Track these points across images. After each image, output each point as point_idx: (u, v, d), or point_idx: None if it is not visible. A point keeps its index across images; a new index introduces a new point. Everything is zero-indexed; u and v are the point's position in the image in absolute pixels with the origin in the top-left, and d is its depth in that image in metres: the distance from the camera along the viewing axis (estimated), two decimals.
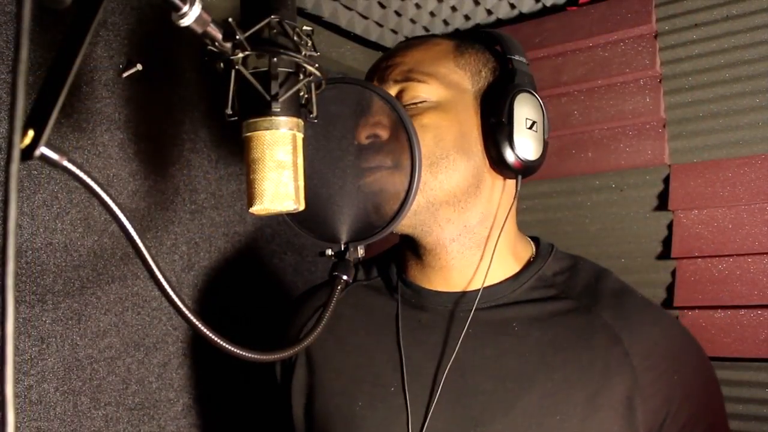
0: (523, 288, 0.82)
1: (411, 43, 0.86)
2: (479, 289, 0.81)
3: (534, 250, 0.87)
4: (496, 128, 0.78)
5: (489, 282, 0.82)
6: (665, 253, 1.24)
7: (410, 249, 0.86)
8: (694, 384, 0.78)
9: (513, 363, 0.77)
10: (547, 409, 0.73)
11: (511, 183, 0.85)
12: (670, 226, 1.25)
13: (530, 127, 0.79)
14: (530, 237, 0.90)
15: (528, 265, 0.84)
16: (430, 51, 0.83)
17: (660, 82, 1.27)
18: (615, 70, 1.30)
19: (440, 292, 0.84)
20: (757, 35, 1.18)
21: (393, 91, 0.80)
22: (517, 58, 0.84)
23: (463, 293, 0.82)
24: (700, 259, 1.20)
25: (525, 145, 0.78)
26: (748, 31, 1.19)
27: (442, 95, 0.80)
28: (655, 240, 1.26)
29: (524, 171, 0.80)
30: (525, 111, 0.79)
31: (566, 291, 0.81)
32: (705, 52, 1.22)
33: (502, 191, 0.84)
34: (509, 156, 0.78)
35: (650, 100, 1.27)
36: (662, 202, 1.26)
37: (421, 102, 0.79)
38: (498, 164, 0.80)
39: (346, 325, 0.88)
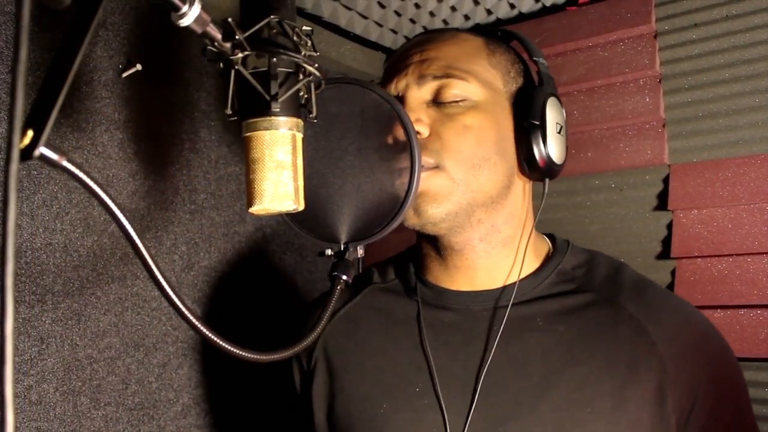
0: (544, 283, 0.82)
1: (439, 36, 0.84)
2: (503, 287, 0.81)
3: (550, 245, 0.87)
4: (531, 132, 0.78)
5: (511, 280, 0.82)
6: (665, 253, 1.24)
7: (432, 249, 0.85)
8: (718, 370, 0.79)
9: (539, 358, 0.77)
10: (576, 402, 0.73)
11: (532, 185, 0.86)
12: (669, 226, 1.25)
13: (559, 132, 0.80)
14: (545, 234, 0.90)
15: (546, 260, 0.85)
16: (464, 47, 0.82)
17: (660, 82, 1.27)
18: (615, 70, 1.30)
19: (463, 292, 0.84)
20: (756, 35, 1.18)
21: (432, 86, 0.79)
22: (541, 60, 0.84)
23: (487, 292, 0.82)
24: (699, 259, 1.20)
25: (555, 149, 0.79)
26: (747, 31, 1.19)
27: (481, 95, 0.79)
28: (654, 240, 1.26)
29: (551, 174, 0.81)
30: (554, 116, 0.80)
31: (587, 284, 0.81)
32: (705, 52, 1.22)
33: (528, 193, 0.85)
34: (542, 159, 0.78)
35: (650, 100, 1.27)
36: (662, 202, 1.26)
37: (462, 100, 0.78)
38: (530, 167, 0.80)
39: (364, 328, 0.87)
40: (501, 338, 0.78)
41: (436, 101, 0.79)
